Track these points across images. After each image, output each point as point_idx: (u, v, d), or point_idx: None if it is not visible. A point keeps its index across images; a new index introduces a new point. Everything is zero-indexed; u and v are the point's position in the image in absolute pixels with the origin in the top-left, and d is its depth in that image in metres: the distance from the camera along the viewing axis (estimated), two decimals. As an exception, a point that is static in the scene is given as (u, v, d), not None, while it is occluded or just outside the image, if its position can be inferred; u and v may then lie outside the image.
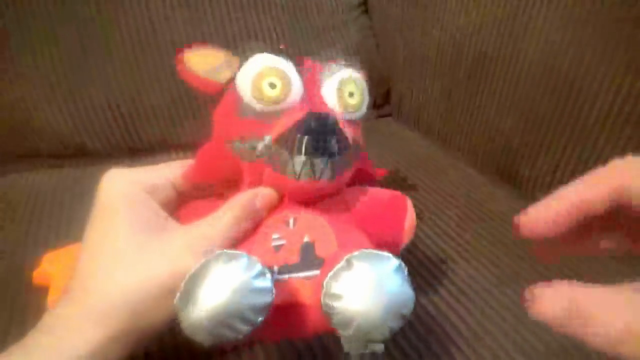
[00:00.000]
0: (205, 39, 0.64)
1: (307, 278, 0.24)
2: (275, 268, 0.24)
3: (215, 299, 0.19)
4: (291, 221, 0.26)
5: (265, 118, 0.26)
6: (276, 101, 0.26)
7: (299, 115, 0.25)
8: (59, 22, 0.60)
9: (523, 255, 0.43)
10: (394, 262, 0.21)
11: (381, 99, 0.77)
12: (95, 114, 0.62)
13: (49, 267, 0.40)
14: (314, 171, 0.24)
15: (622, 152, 0.42)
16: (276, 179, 0.26)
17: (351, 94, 0.28)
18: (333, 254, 0.24)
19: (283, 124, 0.26)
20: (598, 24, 0.44)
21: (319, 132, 0.24)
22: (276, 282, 0.22)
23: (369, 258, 0.21)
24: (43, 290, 0.38)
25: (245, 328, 0.20)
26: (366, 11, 0.78)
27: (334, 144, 0.24)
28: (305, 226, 0.26)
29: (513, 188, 0.55)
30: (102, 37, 0.61)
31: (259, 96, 0.26)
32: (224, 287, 0.19)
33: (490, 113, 0.57)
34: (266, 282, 0.21)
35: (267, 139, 0.26)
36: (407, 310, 0.21)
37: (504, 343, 0.34)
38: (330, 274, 0.21)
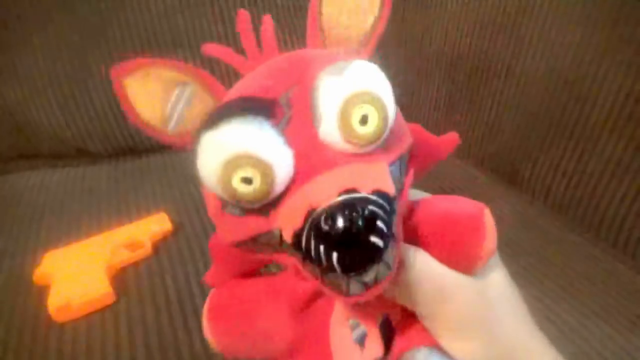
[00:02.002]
0: (205, 39, 0.63)
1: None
2: None
3: None
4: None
5: (258, 213, 0.18)
6: (257, 198, 0.17)
7: (303, 209, 0.17)
8: (59, 23, 0.60)
9: (525, 255, 0.43)
10: None
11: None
12: (96, 114, 0.62)
13: (49, 267, 0.40)
14: (362, 283, 0.17)
15: (622, 153, 0.43)
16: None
17: (364, 120, 0.18)
18: (399, 338, 0.21)
19: (286, 221, 0.18)
20: (598, 24, 0.44)
21: (345, 236, 0.16)
22: None
23: None
24: (43, 290, 0.38)
25: None
26: (366, 11, 0.78)
27: (377, 241, 0.16)
28: (383, 301, 0.20)
29: (513, 188, 0.55)
30: (103, 37, 0.61)
31: (233, 198, 0.18)
32: None
33: (490, 113, 0.57)
34: None
35: (277, 233, 0.18)
36: None
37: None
38: None
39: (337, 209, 0.16)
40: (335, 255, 0.16)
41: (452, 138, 0.24)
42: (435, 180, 0.55)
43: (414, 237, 0.21)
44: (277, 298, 0.22)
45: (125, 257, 0.41)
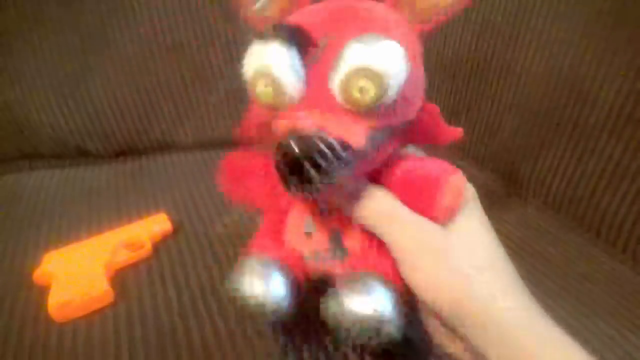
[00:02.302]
0: (206, 40, 0.64)
1: (332, 266, 0.28)
2: (306, 254, 0.28)
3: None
4: (324, 207, 0.28)
5: (272, 111, 0.25)
6: (271, 104, 0.24)
7: (282, 131, 0.24)
8: (60, 23, 0.60)
9: (525, 255, 0.43)
10: (373, 306, 0.24)
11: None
12: (96, 114, 0.62)
13: (49, 266, 0.40)
14: (296, 191, 0.23)
15: (622, 153, 0.43)
16: None
17: (362, 90, 0.22)
18: (353, 255, 0.27)
19: (277, 128, 0.24)
20: (598, 24, 0.44)
21: (290, 161, 0.22)
22: (306, 262, 0.28)
23: (357, 287, 0.25)
24: (43, 290, 0.38)
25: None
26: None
27: (309, 171, 0.22)
28: (338, 215, 0.27)
29: (514, 188, 0.55)
30: (103, 38, 0.61)
31: (256, 96, 0.25)
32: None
33: (491, 113, 0.57)
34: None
35: (275, 130, 0.25)
36: (383, 331, 0.24)
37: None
38: (325, 304, 0.25)
39: (299, 138, 0.22)
40: (282, 170, 0.23)
41: (457, 131, 0.29)
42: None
43: (385, 185, 0.27)
44: (267, 175, 0.29)
45: (125, 257, 0.42)
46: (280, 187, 0.24)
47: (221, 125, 0.67)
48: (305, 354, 0.32)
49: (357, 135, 0.23)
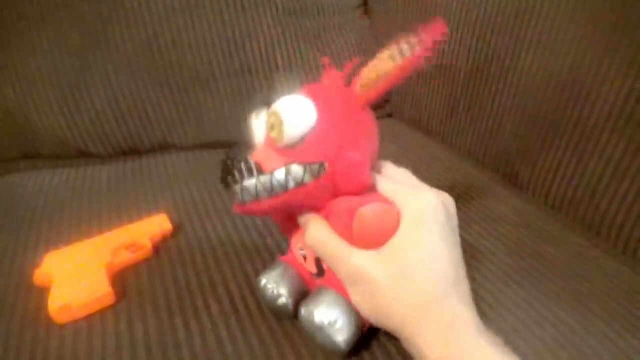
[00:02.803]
0: (206, 40, 0.64)
1: (319, 280, 0.35)
2: (311, 274, 0.36)
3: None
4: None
5: None
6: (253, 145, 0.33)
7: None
8: (60, 24, 0.60)
9: (525, 255, 0.43)
10: (319, 318, 0.31)
11: (382, 98, 0.77)
12: (96, 115, 0.62)
13: (49, 267, 0.40)
14: (231, 196, 0.32)
15: (622, 153, 0.43)
16: None
17: (272, 127, 0.30)
18: (327, 273, 0.34)
19: None
20: (598, 25, 0.44)
21: (221, 168, 0.31)
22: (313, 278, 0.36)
23: (311, 305, 0.32)
24: (43, 291, 0.38)
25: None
26: (366, 12, 0.78)
27: (228, 178, 0.31)
28: None
29: (514, 188, 0.55)
30: (104, 38, 0.61)
31: None
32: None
33: (491, 114, 0.57)
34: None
35: None
36: (336, 349, 0.31)
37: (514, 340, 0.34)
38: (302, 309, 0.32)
39: (230, 156, 0.31)
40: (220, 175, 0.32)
41: (368, 183, 0.32)
42: (435, 180, 0.55)
43: (325, 218, 0.33)
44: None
45: (126, 257, 0.42)
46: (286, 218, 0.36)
47: (221, 126, 0.67)
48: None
49: (271, 161, 0.30)
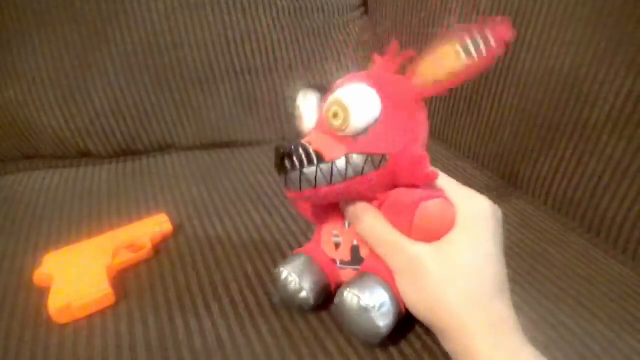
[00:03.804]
0: (206, 40, 0.64)
1: (353, 270, 0.35)
2: (338, 261, 0.35)
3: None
4: (347, 224, 0.35)
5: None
6: (301, 128, 0.34)
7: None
8: (60, 24, 0.60)
9: (525, 256, 0.43)
10: (364, 301, 0.30)
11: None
12: (97, 114, 0.62)
13: (49, 268, 0.40)
14: (284, 184, 0.31)
15: (623, 154, 0.43)
16: None
17: (335, 115, 0.30)
18: (366, 260, 0.34)
19: None
20: (598, 25, 0.44)
21: (276, 155, 0.31)
22: (338, 268, 0.35)
23: (356, 289, 0.31)
24: (43, 291, 0.38)
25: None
26: (366, 12, 0.78)
27: (286, 164, 0.30)
28: (354, 229, 0.34)
29: (514, 188, 0.55)
30: (104, 38, 0.61)
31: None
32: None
33: (491, 114, 0.57)
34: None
35: None
36: (375, 336, 0.31)
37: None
38: (334, 303, 0.32)
39: (287, 143, 0.30)
40: (275, 164, 0.31)
41: (434, 175, 0.32)
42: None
43: (380, 209, 0.32)
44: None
45: (126, 258, 0.42)
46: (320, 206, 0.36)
47: (221, 126, 0.67)
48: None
49: (333, 151, 0.30)
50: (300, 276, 0.34)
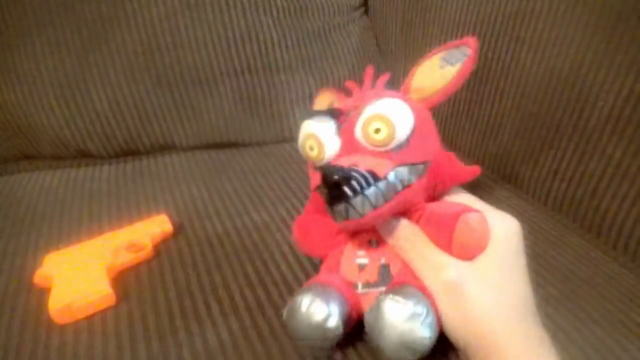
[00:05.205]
0: (206, 40, 0.64)
1: (377, 291, 0.32)
2: (359, 284, 0.32)
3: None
4: (374, 242, 0.33)
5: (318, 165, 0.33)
6: (317, 160, 0.33)
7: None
8: (60, 25, 0.60)
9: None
10: (410, 309, 0.27)
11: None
12: (97, 115, 0.62)
13: (50, 268, 0.40)
14: (341, 215, 0.29)
15: (623, 154, 0.43)
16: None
17: (377, 131, 0.30)
18: (396, 277, 0.32)
19: (318, 178, 0.30)
20: (599, 25, 0.44)
21: (330, 183, 0.28)
22: (359, 294, 0.32)
23: (400, 296, 0.28)
24: (44, 292, 0.38)
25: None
26: (366, 12, 0.78)
27: (346, 191, 0.28)
28: (382, 248, 0.33)
29: (514, 189, 0.55)
30: (104, 39, 0.61)
31: (306, 157, 0.34)
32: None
33: (491, 114, 0.57)
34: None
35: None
36: (420, 347, 0.27)
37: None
38: (367, 311, 0.29)
39: (336, 167, 0.28)
40: (324, 191, 0.29)
41: (474, 170, 0.34)
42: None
43: (417, 223, 0.32)
44: (325, 226, 0.35)
45: (126, 258, 0.42)
46: (335, 227, 0.33)
47: (221, 126, 0.67)
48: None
49: (382, 167, 0.29)
50: (327, 302, 0.29)
